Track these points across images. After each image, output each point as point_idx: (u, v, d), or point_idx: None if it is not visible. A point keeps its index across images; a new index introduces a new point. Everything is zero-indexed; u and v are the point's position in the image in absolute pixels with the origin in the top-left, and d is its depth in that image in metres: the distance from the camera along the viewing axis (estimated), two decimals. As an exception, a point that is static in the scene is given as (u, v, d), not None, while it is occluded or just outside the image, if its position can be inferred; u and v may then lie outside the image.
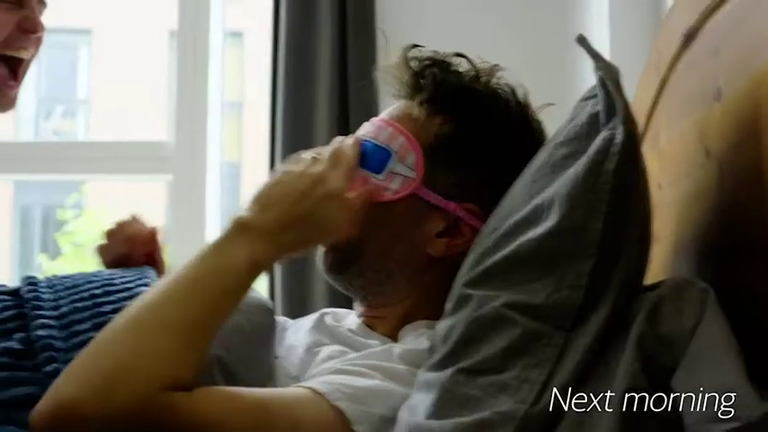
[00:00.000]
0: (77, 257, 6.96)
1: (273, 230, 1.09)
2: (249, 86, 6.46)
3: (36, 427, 0.96)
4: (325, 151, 1.19)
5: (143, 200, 7.49)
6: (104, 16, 8.22)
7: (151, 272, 1.32)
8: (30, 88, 8.33)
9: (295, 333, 1.29)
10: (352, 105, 2.46)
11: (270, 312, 1.22)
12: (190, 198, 2.66)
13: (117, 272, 1.29)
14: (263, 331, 1.19)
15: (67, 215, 7.15)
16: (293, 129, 2.48)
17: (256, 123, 4.64)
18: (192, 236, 2.64)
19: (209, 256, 1.07)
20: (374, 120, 1.27)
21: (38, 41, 1.70)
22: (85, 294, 1.17)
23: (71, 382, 0.97)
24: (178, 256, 2.62)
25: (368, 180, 1.21)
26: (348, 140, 1.22)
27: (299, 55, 2.49)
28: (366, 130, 1.26)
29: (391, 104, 1.28)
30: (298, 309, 2.35)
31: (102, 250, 1.48)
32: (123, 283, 1.22)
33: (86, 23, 8.30)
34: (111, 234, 1.50)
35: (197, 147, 2.68)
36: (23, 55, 1.66)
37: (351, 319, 1.28)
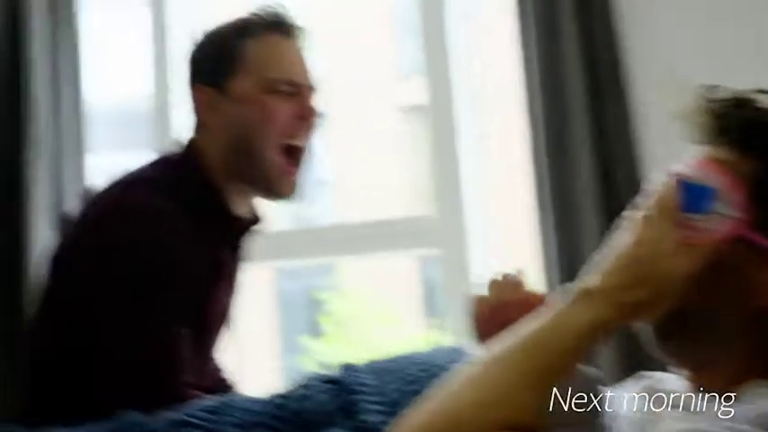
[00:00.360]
0: (339, 337, 7.16)
1: (615, 293, 1.05)
2: (493, 156, 6.48)
3: None
4: (649, 203, 1.12)
5: (398, 275, 7.65)
6: (338, 97, 8.54)
7: (465, 348, 1.28)
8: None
9: (617, 400, 1.22)
10: (611, 169, 2.38)
11: (599, 382, 1.16)
12: (457, 271, 2.65)
13: (434, 352, 1.27)
14: (591, 399, 1.13)
15: (327, 296, 7.37)
16: (555, 196, 2.41)
17: (504, 190, 4.63)
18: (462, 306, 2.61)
19: (549, 319, 1.05)
20: (687, 161, 1.18)
21: (313, 127, 1.77)
22: (410, 378, 1.16)
23: (413, 427, 0.98)
24: (457, 327, 2.62)
25: (687, 223, 1.10)
26: (667, 182, 1.14)
27: (551, 121, 2.44)
28: (679, 170, 1.17)
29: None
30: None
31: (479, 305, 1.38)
32: (446, 362, 1.19)
33: (321, 109, 8.64)
34: (492, 286, 1.39)
35: (459, 218, 2.67)
36: (300, 142, 1.75)
37: (675, 381, 1.20)
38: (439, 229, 2.71)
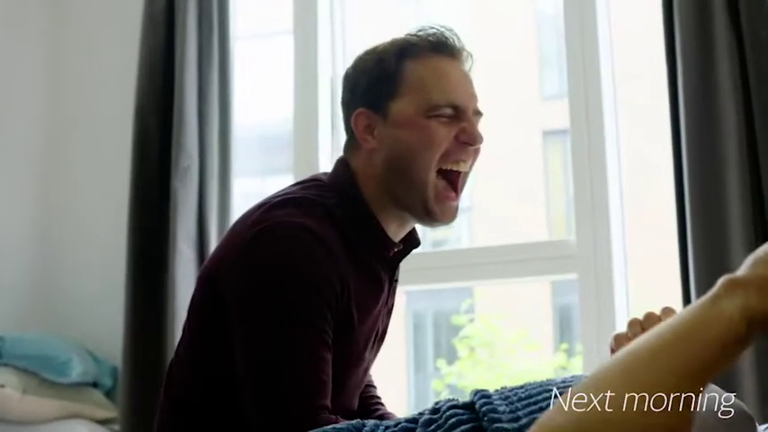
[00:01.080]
0: (474, 362, 7.11)
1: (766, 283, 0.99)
2: (632, 178, 6.37)
3: None
4: None
5: (531, 300, 7.57)
6: (480, 125, 8.51)
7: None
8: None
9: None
10: (764, 180, 2.31)
11: (751, 421, 1.12)
12: (597, 295, 2.61)
13: (569, 378, 1.25)
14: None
15: (462, 320, 7.33)
16: (704, 222, 2.35)
17: (648, 215, 4.53)
18: (602, 332, 2.58)
19: (698, 309, 0.99)
20: None
21: (476, 153, 1.70)
22: (543, 404, 1.13)
23: (567, 420, 0.93)
24: (591, 353, 2.58)
25: None
26: None
27: (702, 144, 2.38)
28: None
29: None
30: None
31: (619, 341, 1.40)
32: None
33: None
34: (632, 324, 1.43)
35: (600, 243, 2.63)
36: (461, 168, 1.67)
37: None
38: (576, 253, 2.67)
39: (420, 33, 1.69)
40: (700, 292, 2.31)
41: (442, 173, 1.66)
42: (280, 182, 3.68)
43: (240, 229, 1.61)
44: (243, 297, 1.55)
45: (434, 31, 1.69)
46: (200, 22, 3.05)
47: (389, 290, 1.75)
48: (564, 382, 1.21)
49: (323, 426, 1.42)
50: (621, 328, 2.56)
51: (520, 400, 1.16)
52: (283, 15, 3.22)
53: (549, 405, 1.13)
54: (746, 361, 2.27)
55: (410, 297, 7.89)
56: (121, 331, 2.95)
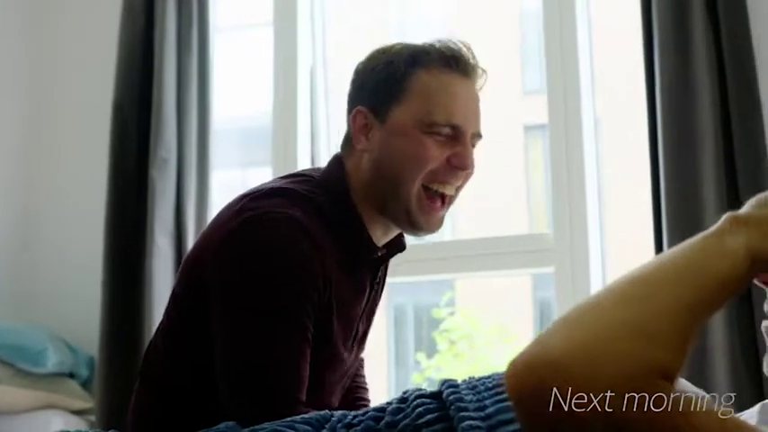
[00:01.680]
0: (453, 355, 7.12)
1: None
2: (611, 172, 6.41)
3: (513, 376, 0.92)
4: None
5: (511, 294, 7.60)
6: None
7: None
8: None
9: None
10: (740, 175, 2.33)
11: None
12: (574, 287, 2.63)
13: None
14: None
15: (442, 313, 7.35)
16: (678, 216, 2.37)
17: (625, 210, 4.55)
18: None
19: (701, 242, 0.98)
20: None
21: (465, 177, 1.67)
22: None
23: (561, 339, 0.90)
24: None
25: None
26: None
27: (678, 140, 2.40)
28: None
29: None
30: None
31: None
32: None
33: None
34: None
35: (577, 236, 2.65)
36: (446, 190, 1.64)
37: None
38: (554, 247, 2.69)
39: (436, 44, 1.65)
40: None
41: (427, 190, 1.63)
42: (259, 173, 3.69)
43: (226, 217, 1.59)
44: (226, 285, 1.53)
45: (451, 45, 1.65)
46: (179, 13, 3.05)
47: (371, 292, 1.74)
48: None
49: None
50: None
51: (487, 389, 1.16)
52: (263, 7, 3.22)
53: None
54: (719, 354, 2.30)
55: (391, 290, 7.89)
56: (98, 321, 2.95)
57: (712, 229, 0.99)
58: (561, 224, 2.68)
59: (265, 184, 1.67)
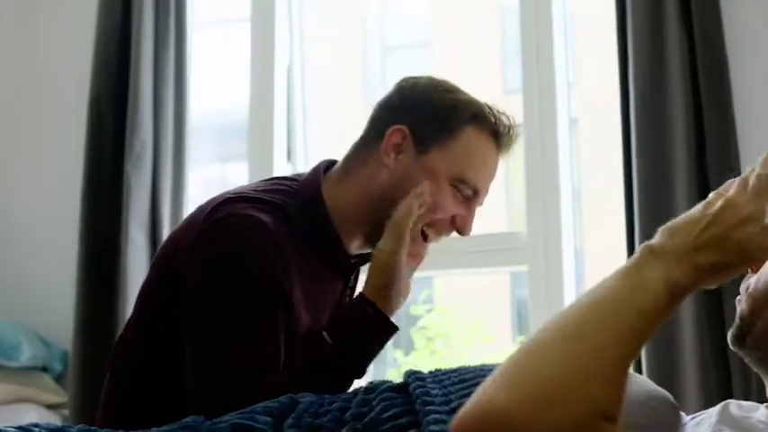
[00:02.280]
0: (430, 352, 7.13)
1: (688, 252, 1.01)
2: (588, 173, 6.43)
3: (461, 430, 0.93)
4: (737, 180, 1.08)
5: (490, 292, 7.61)
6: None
7: None
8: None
9: (696, 427, 1.20)
10: (712, 182, 2.35)
11: (675, 408, 1.14)
12: (546, 286, 2.64)
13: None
14: (667, 429, 1.11)
15: (420, 310, 7.36)
16: (651, 213, 2.39)
17: (599, 210, 4.57)
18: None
19: (622, 278, 1.00)
20: None
21: (448, 234, 1.73)
22: (475, 388, 1.14)
23: (503, 390, 0.92)
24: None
25: None
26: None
27: (651, 139, 2.42)
28: None
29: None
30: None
31: None
32: None
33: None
34: None
35: (551, 235, 2.66)
36: (434, 239, 1.71)
37: (761, 411, 1.17)
38: (527, 245, 2.70)
39: (496, 113, 1.70)
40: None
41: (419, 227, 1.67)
42: (235, 169, 3.67)
43: (197, 218, 1.62)
44: (198, 285, 1.55)
45: (506, 120, 1.71)
46: (156, 8, 3.04)
47: (343, 298, 1.75)
48: (493, 368, 1.22)
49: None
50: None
51: (453, 384, 1.17)
52: (241, 3, 3.22)
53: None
54: (688, 353, 2.32)
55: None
56: (72, 316, 2.95)
57: (632, 260, 1.01)
58: (535, 223, 2.69)
59: (242, 187, 1.70)
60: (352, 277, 1.79)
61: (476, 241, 2.90)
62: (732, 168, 2.33)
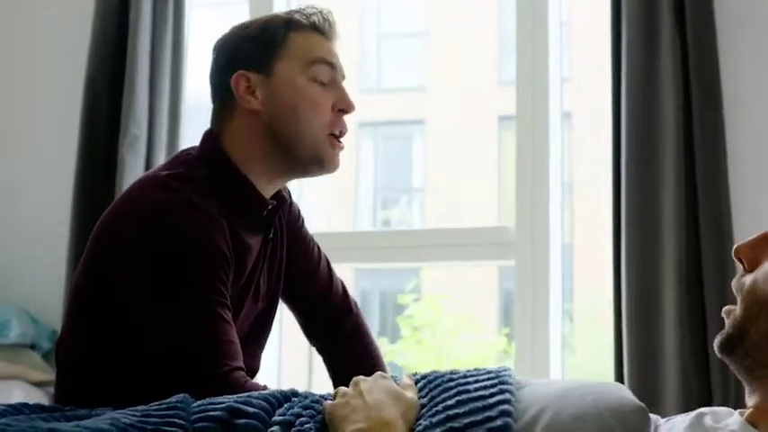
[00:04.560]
0: (416, 341, 7.16)
1: None
2: (580, 167, 6.46)
3: None
4: None
5: (477, 284, 7.64)
6: (435, 107, 8.56)
7: (509, 372, 1.27)
8: (367, 178, 8.80)
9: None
10: (699, 183, 2.37)
11: (645, 413, 1.16)
12: (533, 281, 2.66)
13: (475, 373, 1.27)
14: (637, 430, 1.13)
15: (407, 300, 7.39)
16: (638, 210, 2.41)
17: (590, 204, 4.60)
18: (536, 318, 2.63)
19: None
20: None
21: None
22: (439, 407, 1.17)
23: None
24: (524, 341, 2.64)
25: None
26: None
27: (641, 135, 2.44)
28: None
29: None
30: (648, 401, 2.27)
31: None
32: (478, 389, 1.19)
33: (419, 115, 8.68)
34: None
35: (539, 230, 2.68)
36: (341, 132, 1.78)
37: (733, 418, 1.19)
38: (515, 240, 2.72)
39: (304, 11, 1.80)
40: (629, 280, 2.38)
41: (331, 135, 1.77)
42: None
43: (129, 205, 1.67)
44: (141, 271, 1.59)
45: (317, 11, 1.80)
46: (155, -12, 3.03)
47: (267, 247, 1.81)
48: (465, 381, 1.24)
49: (236, 385, 1.46)
50: (555, 316, 2.64)
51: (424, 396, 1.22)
52: (240, -15, 3.21)
53: (444, 408, 1.17)
54: (669, 357, 2.34)
55: (358, 275, 7.93)
56: (62, 294, 2.95)
57: None
58: (524, 218, 2.71)
59: (154, 170, 1.79)
60: (277, 225, 1.84)
61: (464, 235, 2.93)
62: (719, 160, 2.36)
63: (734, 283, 1.21)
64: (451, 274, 7.40)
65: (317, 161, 1.76)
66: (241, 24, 1.82)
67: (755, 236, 1.21)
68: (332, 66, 1.77)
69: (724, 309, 1.21)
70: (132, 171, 2.91)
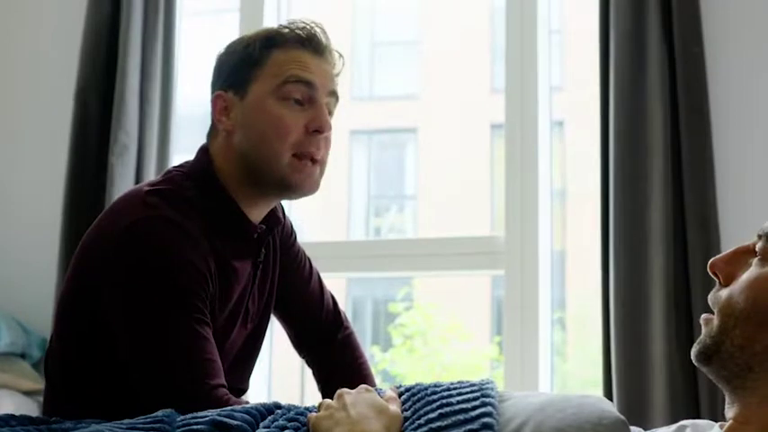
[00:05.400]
0: (408, 349, 7.16)
1: None
2: (572, 175, 6.47)
3: None
4: None
5: (469, 292, 7.64)
6: (428, 115, 8.57)
7: (492, 385, 1.28)
8: (360, 186, 8.80)
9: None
10: (686, 192, 2.38)
11: (625, 426, 1.17)
12: (522, 289, 2.66)
13: (458, 385, 1.27)
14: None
15: (398, 308, 7.38)
16: (626, 218, 2.42)
17: (581, 212, 4.60)
18: (525, 327, 2.64)
19: None
20: None
21: (326, 141, 1.73)
22: (422, 420, 1.17)
23: None
24: (513, 347, 2.64)
25: None
26: None
27: (629, 143, 2.45)
28: None
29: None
30: (636, 410, 2.28)
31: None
32: (461, 402, 1.20)
33: (412, 123, 8.69)
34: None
35: (528, 239, 2.68)
36: (315, 155, 1.71)
37: (714, 429, 1.20)
38: (504, 250, 2.72)
39: (290, 26, 1.74)
40: (618, 289, 2.38)
41: (296, 156, 1.71)
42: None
43: (110, 222, 1.66)
44: (120, 289, 1.59)
45: (304, 25, 1.74)
46: (146, -2, 3.04)
47: (256, 270, 1.79)
48: (448, 393, 1.24)
49: (218, 402, 1.47)
50: (545, 324, 2.64)
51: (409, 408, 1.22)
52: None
53: (426, 420, 1.18)
54: (657, 367, 2.35)
55: (350, 283, 7.93)
56: (53, 303, 2.95)
57: None
58: (513, 227, 2.71)
59: (143, 184, 1.76)
60: (268, 247, 1.82)
61: (454, 244, 2.94)
62: (706, 169, 2.37)
63: (710, 297, 1.23)
64: (443, 282, 7.40)
65: (285, 185, 1.71)
66: (233, 41, 1.79)
67: (729, 251, 1.22)
68: (308, 84, 1.70)
69: (703, 317, 1.22)
70: (122, 180, 2.91)
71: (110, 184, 2.91)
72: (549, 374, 2.68)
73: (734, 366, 1.15)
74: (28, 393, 2.96)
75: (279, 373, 3.13)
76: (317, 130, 1.71)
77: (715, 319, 1.19)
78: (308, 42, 1.72)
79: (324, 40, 1.75)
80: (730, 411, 1.18)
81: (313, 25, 1.75)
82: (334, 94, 1.76)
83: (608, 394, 2.39)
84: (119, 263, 1.59)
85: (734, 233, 2.37)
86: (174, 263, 1.58)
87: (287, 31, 1.73)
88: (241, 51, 1.73)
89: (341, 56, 1.78)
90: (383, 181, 9.15)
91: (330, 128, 1.73)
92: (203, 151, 1.76)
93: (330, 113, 1.76)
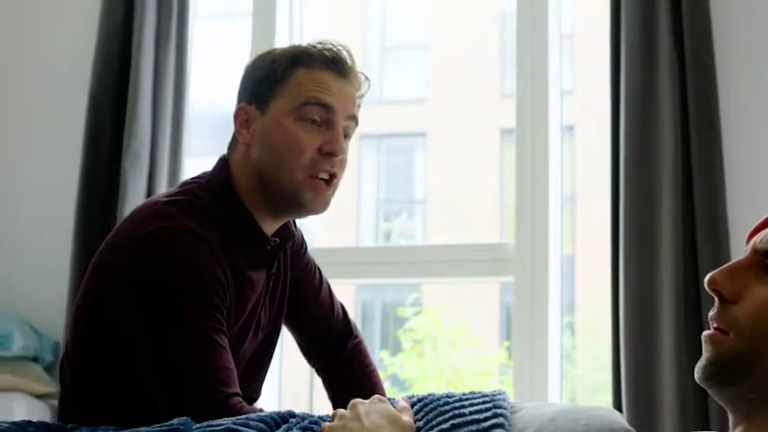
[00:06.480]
0: (417, 354, 7.16)
1: None
2: (582, 179, 6.46)
3: None
4: None
5: (478, 297, 7.64)
6: (438, 119, 8.57)
7: (504, 396, 1.28)
8: (369, 190, 8.80)
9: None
10: (696, 199, 2.38)
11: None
12: (532, 297, 2.66)
13: (470, 396, 1.27)
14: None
15: (408, 313, 7.38)
16: (636, 223, 2.43)
17: (591, 216, 4.60)
18: (535, 332, 2.64)
19: None
20: None
21: (341, 164, 1.75)
22: (435, 431, 1.17)
23: None
24: (522, 355, 2.64)
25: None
26: None
27: (639, 150, 2.46)
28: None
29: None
30: (645, 415, 2.28)
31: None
32: (473, 413, 1.20)
33: (421, 127, 8.69)
34: None
35: (538, 246, 2.68)
36: (326, 176, 1.73)
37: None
38: (515, 257, 2.72)
39: (318, 46, 1.75)
40: (627, 294, 2.39)
41: (310, 176, 1.72)
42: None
43: (127, 231, 1.68)
44: (137, 297, 1.60)
45: (331, 47, 1.75)
46: (159, 2, 3.05)
47: (269, 282, 1.80)
48: (461, 404, 1.25)
49: (232, 410, 1.48)
50: (555, 330, 2.64)
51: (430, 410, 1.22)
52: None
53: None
54: (667, 367, 2.35)
55: (359, 288, 7.93)
56: (65, 306, 2.96)
57: None
58: (523, 233, 2.71)
59: (162, 194, 1.78)
60: (281, 260, 1.84)
61: (464, 251, 2.94)
62: (716, 176, 2.37)
63: (716, 315, 1.18)
64: (452, 287, 7.40)
65: (297, 203, 1.73)
66: (262, 54, 1.81)
67: (726, 265, 1.18)
68: (327, 107, 1.71)
69: (709, 335, 1.18)
70: (135, 185, 2.92)
71: (122, 189, 2.91)
72: (559, 379, 2.68)
73: (765, 388, 1.12)
74: (40, 397, 2.97)
75: (288, 380, 3.13)
76: (331, 152, 1.72)
77: (733, 340, 1.15)
78: (332, 64, 1.74)
79: (349, 62, 1.76)
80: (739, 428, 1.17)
81: (340, 48, 1.76)
82: (353, 118, 1.77)
83: (617, 399, 2.39)
84: (136, 271, 1.60)
85: (744, 237, 2.36)
86: (192, 272, 1.59)
87: (314, 50, 1.74)
88: (267, 67, 1.75)
89: (367, 78, 1.79)
90: (392, 185, 9.15)
91: (344, 151, 1.75)
92: (223, 162, 1.78)
93: (347, 136, 1.77)
